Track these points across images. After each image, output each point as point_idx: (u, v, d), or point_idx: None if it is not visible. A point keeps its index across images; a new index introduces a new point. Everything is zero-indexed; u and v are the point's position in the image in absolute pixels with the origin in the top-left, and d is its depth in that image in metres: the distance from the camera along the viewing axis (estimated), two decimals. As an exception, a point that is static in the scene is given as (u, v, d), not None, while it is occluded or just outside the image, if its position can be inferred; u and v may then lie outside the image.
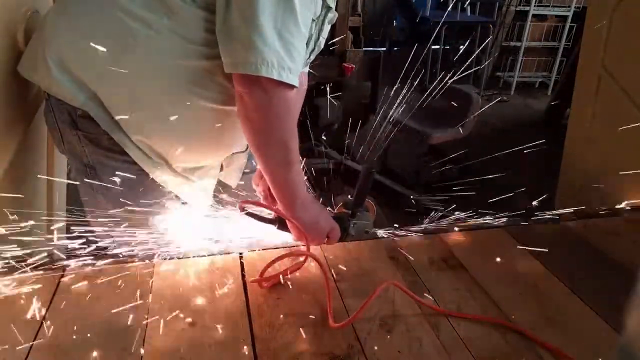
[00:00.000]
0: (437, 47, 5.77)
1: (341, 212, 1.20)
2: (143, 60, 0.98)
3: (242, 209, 1.09)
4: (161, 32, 0.96)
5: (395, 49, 6.60)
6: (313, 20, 1.01)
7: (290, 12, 0.91)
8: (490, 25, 5.70)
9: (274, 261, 1.06)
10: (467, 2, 6.10)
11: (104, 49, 0.96)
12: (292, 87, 0.96)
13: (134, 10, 0.95)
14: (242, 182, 1.36)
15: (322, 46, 1.15)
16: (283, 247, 1.17)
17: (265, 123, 0.97)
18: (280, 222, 1.11)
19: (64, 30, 1.01)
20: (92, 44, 0.96)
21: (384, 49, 6.42)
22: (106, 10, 0.96)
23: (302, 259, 1.08)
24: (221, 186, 1.34)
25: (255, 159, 1.41)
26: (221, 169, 1.28)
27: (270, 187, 1.08)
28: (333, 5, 1.08)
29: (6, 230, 1.01)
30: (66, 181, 1.54)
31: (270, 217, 1.12)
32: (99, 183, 1.09)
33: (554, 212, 1.39)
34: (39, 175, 1.37)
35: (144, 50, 0.97)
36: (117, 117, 1.03)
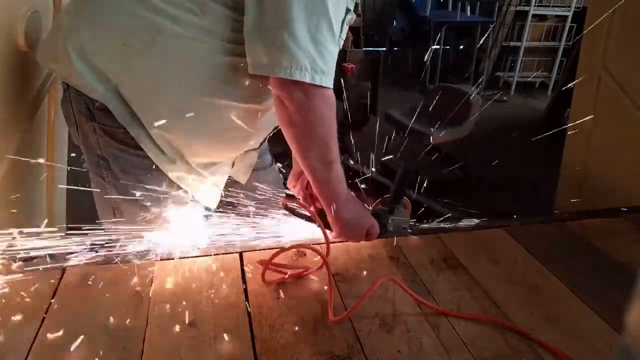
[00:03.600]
0: (437, 47, 5.77)
1: (379, 208, 1.21)
2: (167, 54, 0.98)
3: (285, 206, 1.14)
4: (187, 28, 0.96)
5: (395, 49, 6.61)
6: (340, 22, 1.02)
7: (324, 15, 0.92)
8: (490, 25, 5.70)
9: (284, 250, 1.08)
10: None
11: (128, 43, 0.97)
12: (328, 88, 0.97)
13: (160, 5, 0.95)
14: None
15: (340, 47, 1.16)
16: (285, 247, 1.17)
17: (306, 124, 0.99)
18: (319, 219, 1.13)
19: (88, 22, 1.01)
20: (115, 37, 0.97)
21: (384, 49, 6.43)
22: (131, 4, 0.96)
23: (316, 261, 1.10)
24: (231, 183, 1.34)
25: (264, 157, 1.42)
26: (232, 165, 1.28)
27: (312, 186, 1.10)
28: (352, 7, 1.09)
29: (6, 230, 1.01)
30: (66, 181, 1.54)
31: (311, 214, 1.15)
32: (110, 175, 1.10)
33: (553, 212, 1.39)
34: (39, 174, 1.37)
35: (169, 44, 0.97)
36: (137, 110, 1.03)
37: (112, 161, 1.09)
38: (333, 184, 1.07)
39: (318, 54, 0.93)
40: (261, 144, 1.29)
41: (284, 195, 1.34)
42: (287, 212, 1.18)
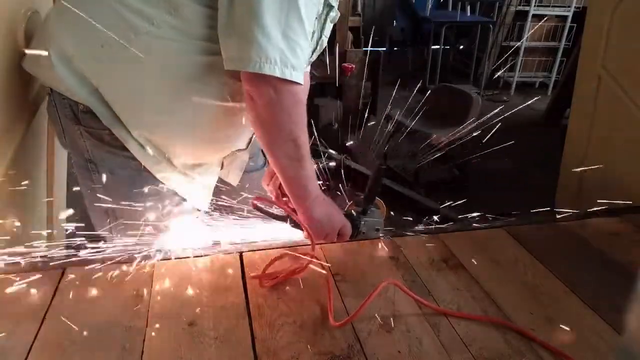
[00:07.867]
0: (437, 47, 5.77)
1: (352, 209, 1.20)
2: (143, 55, 0.98)
3: (255, 206, 1.10)
4: (162, 27, 0.96)
5: (395, 49, 6.61)
6: (315, 18, 1.01)
7: (294, 9, 0.91)
8: (490, 25, 5.70)
9: (276, 259, 1.07)
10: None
11: (105, 44, 0.97)
12: (298, 83, 0.96)
13: (136, 5, 0.95)
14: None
15: (324, 45, 1.15)
16: (284, 247, 1.17)
17: (274, 120, 0.98)
18: (292, 219, 1.12)
19: (67, 25, 1.01)
20: (93, 38, 0.97)
21: (384, 49, 6.43)
22: (107, 5, 0.96)
23: (304, 259, 1.09)
24: (223, 185, 1.34)
25: (257, 158, 1.42)
26: (222, 166, 1.28)
27: (282, 184, 1.09)
28: (335, 4, 1.08)
29: (6, 230, 1.01)
30: (66, 182, 1.54)
31: (282, 214, 1.13)
32: (100, 178, 1.09)
33: (553, 212, 1.39)
34: (39, 175, 1.37)
35: (145, 45, 0.97)
36: (118, 112, 1.03)
37: (100, 163, 1.09)
38: (303, 182, 1.05)
39: (289, 48, 0.92)
40: (248, 144, 1.28)
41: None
42: (258, 212, 1.15)
